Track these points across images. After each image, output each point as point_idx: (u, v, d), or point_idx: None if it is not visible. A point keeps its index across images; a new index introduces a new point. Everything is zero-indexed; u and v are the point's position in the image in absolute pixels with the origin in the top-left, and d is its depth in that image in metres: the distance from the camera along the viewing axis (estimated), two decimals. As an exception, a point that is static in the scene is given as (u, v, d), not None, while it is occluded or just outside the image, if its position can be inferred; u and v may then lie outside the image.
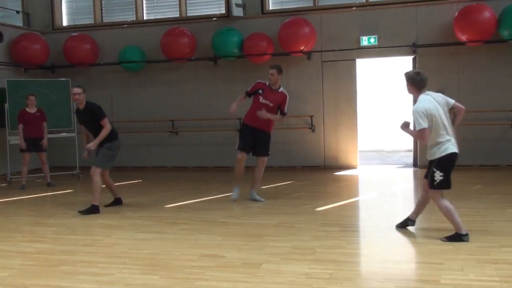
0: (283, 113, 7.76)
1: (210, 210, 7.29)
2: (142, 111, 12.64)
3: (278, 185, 8.73)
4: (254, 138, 7.72)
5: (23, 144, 9.82)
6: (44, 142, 10.07)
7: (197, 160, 12.44)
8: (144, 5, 12.89)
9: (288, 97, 7.78)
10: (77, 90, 7.59)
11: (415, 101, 5.81)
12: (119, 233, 6.11)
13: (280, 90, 7.77)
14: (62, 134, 11.57)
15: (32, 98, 9.98)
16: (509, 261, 4.55)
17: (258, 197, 7.87)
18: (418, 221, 6.26)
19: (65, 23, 13.49)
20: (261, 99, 7.66)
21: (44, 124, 10.10)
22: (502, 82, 10.56)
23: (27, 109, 9.97)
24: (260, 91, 7.71)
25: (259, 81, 7.91)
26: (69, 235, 6.14)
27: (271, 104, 7.65)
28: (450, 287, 3.98)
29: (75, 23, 13.40)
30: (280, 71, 7.70)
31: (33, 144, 9.95)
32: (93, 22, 13.17)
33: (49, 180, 10.17)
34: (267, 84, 7.74)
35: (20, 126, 9.86)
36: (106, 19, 13.19)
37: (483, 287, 3.95)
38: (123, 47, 12.32)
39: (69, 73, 12.52)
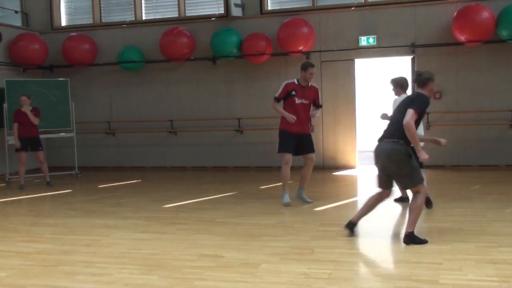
0: (318, 106, 7.69)
1: (209, 210, 7.29)
2: (141, 111, 12.64)
3: (277, 185, 8.72)
4: (296, 141, 7.49)
5: (17, 144, 9.80)
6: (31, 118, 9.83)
7: (196, 160, 12.43)
8: (143, 5, 12.88)
9: (319, 89, 7.73)
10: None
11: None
12: (118, 233, 6.11)
13: (310, 85, 7.57)
14: (61, 134, 11.57)
15: (24, 98, 9.88)
16: (508, 261, 4.55)
17: (306, 198, 7.69)
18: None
19: (64, 23, 13.49)
20: (297, 100, 7.41)
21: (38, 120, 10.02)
22: (501, 82, 10.57)
23: (22, 109, 9.94)
24: (294, 92, 7.43)
25: (286, 82, 7.57)
26: (68, 235, 6.13)
27: (307, 102, 7.47)
28: (449, 287, 3.98)
29: (74, 23, 13.40)
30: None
31: (29, 143, 9.92)
32: (92, 22, 13.17)
33: (48, 180, 10.14)
34: (296, 82, 7.50)
35: (15, 125, 9.84)
36: (105, 19, 13.18)
37: (482, 287, 3.95)
38: (122, 47, 12.32)
39: (68, 73, 12.52)
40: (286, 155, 7.45)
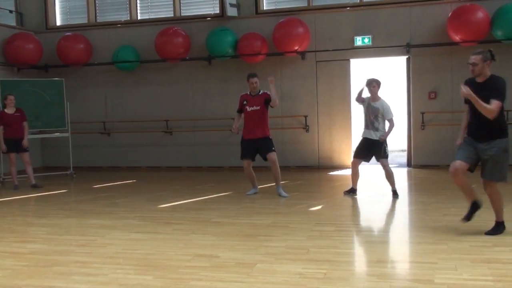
0: (274, 102, 8.04)
1: (204, 210, 7.28)
2: (136, 111, 12.62)
3: (272, 185, 8.72)
4: (256, 146, 8.16)
5: (3, 147, 9.69)
6: (25, 142, 9.86)
7: (192, 160, 12.43)
8: (138, 4, 12.86)
9: (269, 93, 8.10)
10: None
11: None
12: (113, 233, 6.09)
13: (260, 92, 8.20)
14: (56, 134, 11.54)
15: (11, 97, 9.82)
16: (503, 260, 4.56)
17: (282, 193, 8.15)
18: (412, 221, 6.29)
19: (58, 23, 13.45)
20: (248, 108, 8.17)
21: (25, 123, 9.93)
22: (495, 82, 10.58)
23: (5, 110, 9.84)
24: (245, 102, 8.24)
25: (241, 94, 8.44)
26: (62, 235, 6.11)
27: (257, 108, 8.11)
28: (444, 286, 3.98)
29: (69, 23, 13.37)
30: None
31: (16, 144, 9.80)
32: (86, 21, 13.14)
33: (33, 182, 9.96)
34: (248, 93, 8.28)
35: (0, 128, 9.73)
36: (100, 19, 13.16)
37: (477, 287, 3.96)
38: (117, 47, 12.30)
39: (62, 73, 12.49)
40: (243, 161, 8.30)
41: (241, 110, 8.33)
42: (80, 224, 6.67)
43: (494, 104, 5.11)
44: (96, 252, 5.31)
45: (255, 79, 8.16)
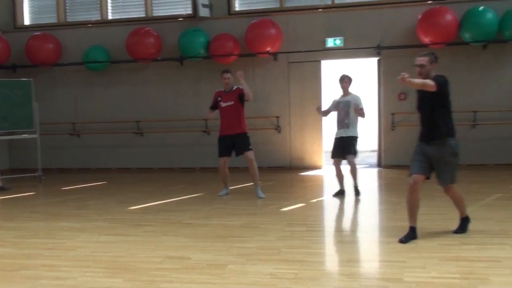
0: (248, 96, 8.01)
1: (176, 212, 7.24)
2: (107, 112, 12.48)
3: (244, 186, 8.73)
4: (233, 142, 8.10)
5: None
6: None
7: (163, 161, 12.34)
8: (109, 4, 12.72)
9: (242, 88, 8.08)
10: None
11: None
12: (82, 236, 6.01)
13: (234, 88, 8.18)
14: (24, 135, 11.31)
15: None
16: (470, 258, 4.65)
17: (260, 194, 8.14)
18: (382, 220, 6.35)
19: (27, 22, 13.21)
20: (222, 104, 8.14)
21: None
22: (463, 84, 10.79)
23: None
24: (219, 98, 8.21)
25: (216, 91, 8.40)
26: (30, 238, 6.00)
27: (231, 103, 8.07)
28: (412, 284, 4.04)
29: (38, 22, 13.13)
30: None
31: None
32: (56, 21, 12.93)
33: (0, 184, 9.78)
34: (222, 89, 8.26)
35: None
36: (70, 18, 12.97)
37: (444, 284, 4.03)
38: (87, 47, 12.14)
39: (31, 73, 12.27)
40: (220, 159, 8.22)
41: (214, 106, 8.27)
42: (48, 227, 6.57)
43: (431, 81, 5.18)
44: (65, 255, 5.23)
45: (228, 75, 8.13)
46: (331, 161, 8.18)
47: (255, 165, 8.08)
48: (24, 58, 12.37)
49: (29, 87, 11.11)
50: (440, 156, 5.36)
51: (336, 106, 8.08)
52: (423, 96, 5.35)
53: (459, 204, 5.62)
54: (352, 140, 7.88)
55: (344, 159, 8.04)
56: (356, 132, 7.97)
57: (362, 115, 7.87)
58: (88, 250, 5.37)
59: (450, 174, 5.44)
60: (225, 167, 8.27)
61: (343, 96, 8.07)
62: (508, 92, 10.74)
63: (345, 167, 8.05)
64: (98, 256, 5.14)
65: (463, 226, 5.60)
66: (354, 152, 7.90)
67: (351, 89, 8.11)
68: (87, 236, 6.02)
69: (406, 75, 4.99)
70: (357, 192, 8.01)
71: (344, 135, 7.91)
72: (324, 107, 8.51)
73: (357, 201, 7.78)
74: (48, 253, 5.33)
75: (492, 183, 8.90)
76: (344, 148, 7.90)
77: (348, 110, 7.89)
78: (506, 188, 8.32)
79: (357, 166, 8.06)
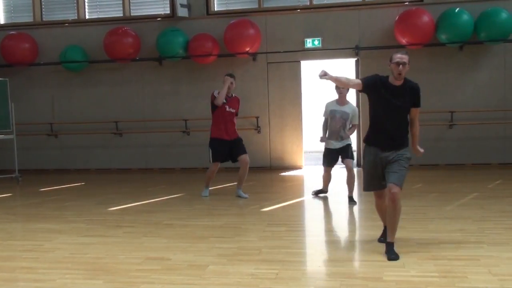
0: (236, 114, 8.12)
1: (156, 212, 7.20)
2: (85, 112, 12.36)
3: (224, 186, 8.72)
4: (230, 148, 8.01)
5: None
6: None
7: (142, 162, 12.27)
8: (86, 3, 12.60)
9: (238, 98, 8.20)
10: None
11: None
12: (61, 238, 5.94)
13: (233, 95, 8.13)
14: (0, 136, 11.14)
15: None
16: (448, 256, 4.71)
17: (242, 194, 8.11)
18: (362, 220, 6.40)
19: (2, 21, 13.01)
20: (226, 108, 7.93)
21: None
22: (440, 84, 10.95)
23: None
24: (225, 101, 7.92)
25: (212, 91, 8.03)
26: (7, 240, 5.91)
27: (233, 111, 8.04)
28: (392, 283, 4.08)
29: (13, 21, 12.94)
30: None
31: None
32: (32, 20, 12.76)
33: None
34: (219, 91, 7.91)
35: None
36: (46, 18, 12.81)
37: (423, 283, 4.07)
38: (64, 47, 12.00)
39: (7, 73, 12.07)
40: (213, 164, 8.05)
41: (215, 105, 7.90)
42: (26, 229, 6.48)
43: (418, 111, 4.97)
44: (43, 257, 5.17)
45: (233, 79, 7.97)
46: (322, 167, 7.91)
47: (247, 169, 8.06)
48: (0, 57, 12.17)
49: (4, 87, 10.95)
50: (396, 156, 4.97)
51: (331, 115, 7.54)
52: (392, 98, 4.88)
53: (395, 218, 4.84)
54: (348, 147, 7.60)
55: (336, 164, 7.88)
56: (350, 140, 7.68)
57: (353, 131, 7.62)
58: (67, 252, 5.31)
59: (403, 175, 4.90)
60: (215, 172, 8.19)
61: (340, 104, 7.50)
62: (484, 93, 10.92)
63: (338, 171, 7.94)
64: (77, 258, 5.09)
65: (391, 250, 4.80)
66: (352, 157, 7.65)
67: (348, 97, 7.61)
68: (66, 237, 5.95)
69: (323, 73, 4.88)
70: (352, 201, 7.47)
71: (339, 146, 7.57)
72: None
73: (337, 201, 7.82)
74: (26, 255, 5.26)
75: (469, 183, 9.03)
76: (342, 155, 7.64)
77: (345, 122, 7.46)
78: (483, 188, 8.45)
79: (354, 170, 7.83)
